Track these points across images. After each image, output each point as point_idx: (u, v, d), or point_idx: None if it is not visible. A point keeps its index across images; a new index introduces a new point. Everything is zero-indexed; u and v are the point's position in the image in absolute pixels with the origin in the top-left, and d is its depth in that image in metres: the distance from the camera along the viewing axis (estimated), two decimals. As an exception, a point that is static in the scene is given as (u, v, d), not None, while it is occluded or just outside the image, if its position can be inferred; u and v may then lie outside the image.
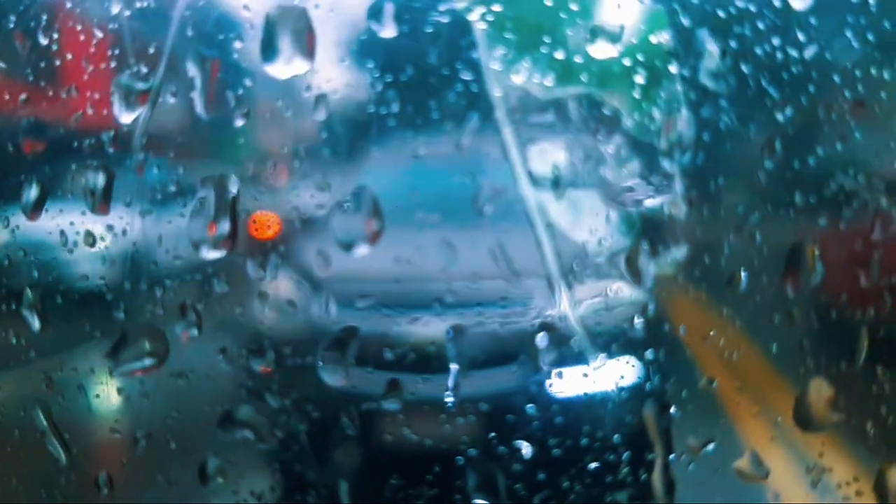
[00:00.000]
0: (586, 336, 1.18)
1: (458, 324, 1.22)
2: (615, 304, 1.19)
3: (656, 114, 1.16)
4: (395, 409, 1.22)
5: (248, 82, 1.24)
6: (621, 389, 1.20)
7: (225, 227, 1.21)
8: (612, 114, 1.18)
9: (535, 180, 1.18)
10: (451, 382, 1.22)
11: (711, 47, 1.14)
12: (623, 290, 1.19)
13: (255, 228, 1.25)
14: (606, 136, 1.17)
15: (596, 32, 1.17)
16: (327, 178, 1.24)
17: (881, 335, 1.17)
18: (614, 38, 1.17)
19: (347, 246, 1.21)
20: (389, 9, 1.20)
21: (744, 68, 1.16)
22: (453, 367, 1.21)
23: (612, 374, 1.20)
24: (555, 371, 1.21)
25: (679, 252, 1.15)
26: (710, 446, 1.18)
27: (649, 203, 1.16)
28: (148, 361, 1.26)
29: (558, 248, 1.18)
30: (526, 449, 1.22)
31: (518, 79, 1.19)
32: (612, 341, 1.19)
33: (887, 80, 1.16)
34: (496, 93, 1.18)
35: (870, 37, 1.16)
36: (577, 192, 1.18)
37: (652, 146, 1.16)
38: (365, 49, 1.24)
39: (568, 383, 1.23)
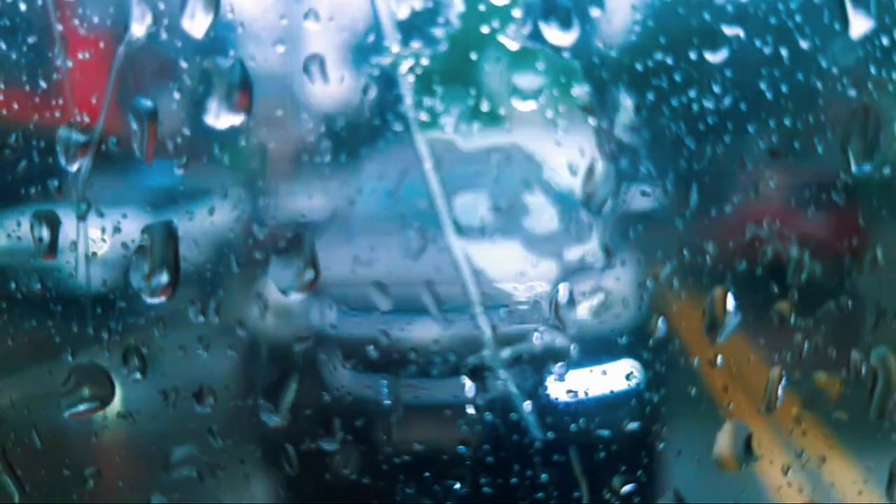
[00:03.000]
0: (511, 381, 1.25)
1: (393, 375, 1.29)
2: (539, 348, 1.25)
3: (576, 165, 1.22)
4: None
5: (186, 131, 1.30)
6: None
7: (163, 277, 1.27)
8: (534, 165, 1.23)
9: (460, 229, 1.23)
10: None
11: (626, 101, 1.19)
12: (548, 335, 1.25)
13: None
14: (529, 186, 1.23)
15: (517, 87, 1.22)
16: (264, 224, 1.29)
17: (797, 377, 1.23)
18: (535, 93, 1.22)
19: (283, 292, 1.27)
20: (319, 63, 1.25)
21: (661, 120, 1.21)
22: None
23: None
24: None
25: (597, 299, 1.21)
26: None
27: (568, 252, 1.22)
28: (94, 403, 1.32)
29: (484, 294, 1.24)
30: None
31: (445, 130, 1.24)
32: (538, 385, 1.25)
33: (800, 130, 1.22)
34: (423, 144, 1.24)
35: (783, 88, 1.21)
36: (502, 241, 1.24)
37: (571, 197, 1.21)
38: (298, 100, 1.29)
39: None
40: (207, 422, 1.32)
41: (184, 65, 1.30)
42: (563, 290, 1.24)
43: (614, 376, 1.28)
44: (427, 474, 1.29)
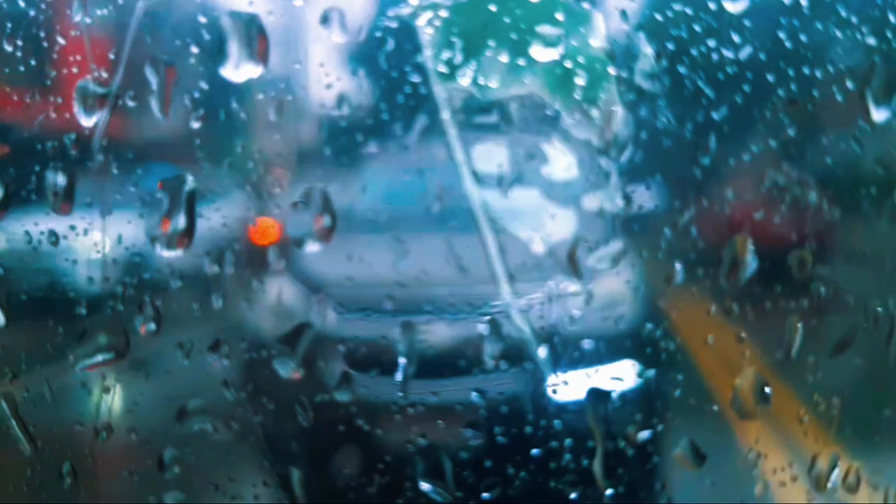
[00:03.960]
0: (527, 328, 1.24)
1: (409, 321, 1.28)
2: (555, 296, 1.24)
3: (595, 114, 1.21)
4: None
5: (203, 85, 1.30)
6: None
7: (180, 223, 1.27)
8: (553, 114, 1.23)
9: (479, 179, 1.23)
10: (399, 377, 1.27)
11: (646, 49, 1.19)
12: (564, 283, 1.24)
13: (254, 234, 1.31)
14: (547, 135, 1.22)
15: (537, 37, 1.22)
16: (281, 178, 1.29)
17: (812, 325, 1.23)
18: (554, 41, 1.22)
19: (298, 243, 1.26)
20: (339, 15, 1.25)
21: (680, 69, 1.21)
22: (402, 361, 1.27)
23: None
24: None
25: (615, 247, 1.20)
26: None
27: (587, 199, 1.21)
28: (108, 355, 1.32)
29: (502, 244, 1.23)
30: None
31: (463, 81, 1.24)
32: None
33: (819, 79, 1.22)
34: (442, 95, 1.23)
35: (802, 37, 1.21)
36: (520, 190, 1.24)
37: (591, 145, 1.21)
38: (316, 53, 1.29)
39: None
40: (222, 374, 1.31)
41: (202, 19, 1.30)
42: (580, 238, 1.24)
43: (631, 323, 1.27)
44: (441, 424, 1.28)
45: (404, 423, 1.30)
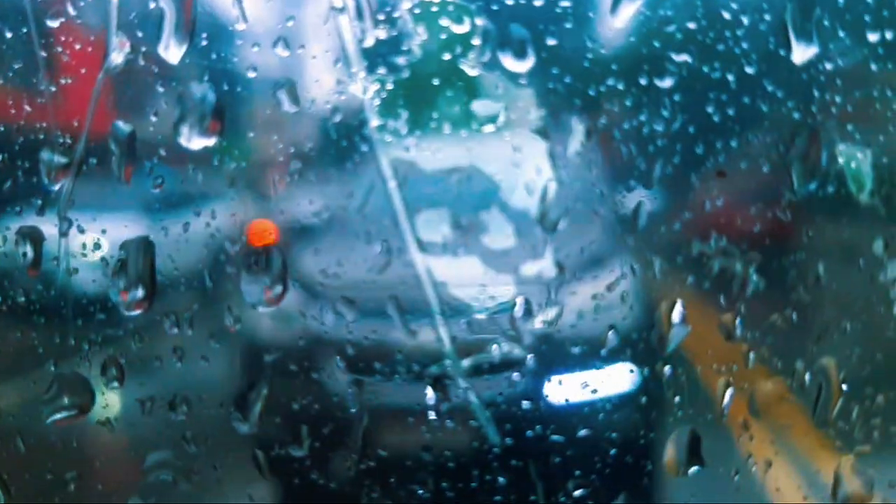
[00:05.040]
0: (471, 389, 1.30)
1: (359, 380, 1.34)
2: (498, 358, 1.30)
3: (532, 185, 1.27)
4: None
5: (162, 153, 1.35)
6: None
7: (139, 291, 1.33)
8: (492, 186, 1.29)
9: (423, 246, 1.29)
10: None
11: (578, 126, 1.25)
12: (506, 346, 1.30)
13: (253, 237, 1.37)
14: (487, 206, 1.28)
15: (476, 111, 1.28)
16: (236, 241, 1.35)
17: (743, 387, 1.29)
18: (493, 116, 1.28)
19: (253, 306, 1.33)
20: (290, 86, 1.31)
21: (612, 143, 1.26)
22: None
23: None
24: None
25: (552, 313, 1.26)
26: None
27: (525, 267, 1.27)
28: (74, 411, 1.38)
29: (445, 306, 1.29)
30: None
31: (408, 151, 1.30)
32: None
33: (746, 151, 1.27)
34: (388, 164, 1.29)
35: (730, 111, 1.26)
36: (463, 256, 1.30)
37: (527, 215, 1.27)
38: (270, 123, 1.35)
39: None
40: (182, 429, 1.37)
41: (160, 89, 1.35)
42: (519, 303, 1.30)
43: (570, 386, 1.33)
44: (391, 479, 1.35)
45: (358, 477, 1.36)
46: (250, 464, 1.37)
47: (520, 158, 1.30)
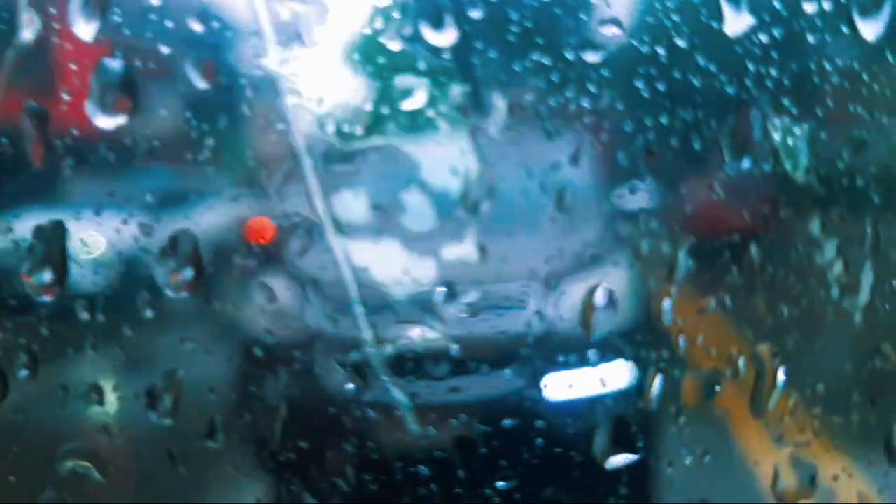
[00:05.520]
0: (392, 379, 1.25)
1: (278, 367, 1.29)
2: (420, 347, 1.24)
3: (454, 164, 1.22)
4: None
5: (75, 132, 1.30)
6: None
7: (47, 276, 1.27)
8: (413, 165, 1.23)
9: (341, 228, 1.23)
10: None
11: (499, 103, 1.19)
12: (428, 333, 1.25)
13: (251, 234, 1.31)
14: (407, 186, 1.23)
15: (397, 88, 1.22)
16: (150, 222, 1.30)
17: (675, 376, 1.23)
18: (415, 93, 1.23)
19: (164, 290, 1.27)
20: (204, 63, 1.26)
21: (537, 120, 1.20)
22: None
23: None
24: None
25: (473, 296, 1.21)
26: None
27: (446, 250, 1.21)
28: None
29: (365, 293, 1.24)
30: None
31: (326, 129, 1.24)
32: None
33: (677, 129, 1.21)
34: (305, 143, 1.24)
35: (659, 87, 1.21)
36: (382, 240, 1.24)
37: (448, 196, 1.21)
38: (183, 100, 1.29)
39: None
40: (97, 419, 1.32)
41: (73, 67, 1.30)
42: (441, 288, 1.24)
43: (495, 375, 1.27)
44: (312, 471, 1.29)
45: (277, 470, 1.31)
46: (166, 456, 1.32)
47: (442, 137, 1.24)
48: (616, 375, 1.25)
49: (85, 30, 1.28)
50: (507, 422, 1.26)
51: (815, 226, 1.20)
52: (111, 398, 1.33)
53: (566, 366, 1.26)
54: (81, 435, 1.34)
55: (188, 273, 1.26)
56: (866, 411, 1.27)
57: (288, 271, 1.29)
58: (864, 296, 1.21)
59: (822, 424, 1.26)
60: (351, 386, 1.28)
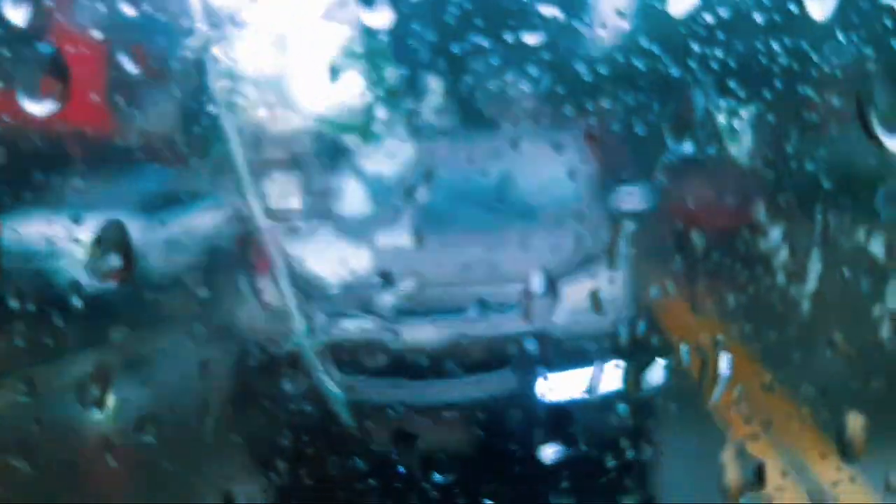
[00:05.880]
0: (326, 371, 1.21)
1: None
2: (356, 336, 1.21)
3: (391, 149, 1.18)
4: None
5: (7, 119, 1.26)
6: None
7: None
8: (347, 149, 1.19)
9: (273, 214, 1.19)
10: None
11: (438, 85, 1.15)
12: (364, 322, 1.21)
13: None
14: (340, 171, 1.19)
15: (333, 69, 1.18)
16: (78, 209, 1.26)
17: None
18: (351, 75, 1.19)
19: (91, 279, 1.24)
20: (134, 47, 1.22)
21: (477, 103, 1.17)
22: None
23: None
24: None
25: (409, 284, 1.17)
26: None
27: (381, 237, 1.17)
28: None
29: (299, 280, 1.20)
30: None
31: (257, 113, 1.20)
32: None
33: (617, 113, 1.17)
34: (235, 127, 1.20)
35: (601, 70, 1.17)
36: (315, 226, 1.20)
37: (383, 181, 1.17)
38: (114, 86, 1.26)
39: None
40: (30, 411, 1.28)
41: (6, 53, 1.26)
42: (377, 275, 1.20)
43: (435, 367, 1.23)
44: (245, 466, 1.25)
45: (211, 465, 1.27)
46: (102, 451, 1.28)
47: (378, 119, 1.20)
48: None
49: (18, 14, 1.24)
50: (447, 414, 1.22)
51: (759, 210, 1.15)
52: (43, 391, 1.29)
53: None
54: (12, 429, 1.30)
55: (115, 261, 1.23)
56: (817, 403, 1.23)
57: (220, 259, 1.25)
58: (811, 284, 1.16)
59: (771, 417, 1.21)
60: (285, 378, 1.24)
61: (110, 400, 1.26)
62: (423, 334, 1.21)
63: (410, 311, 1.21)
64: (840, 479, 1.22)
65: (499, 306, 1.21)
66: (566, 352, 1.20)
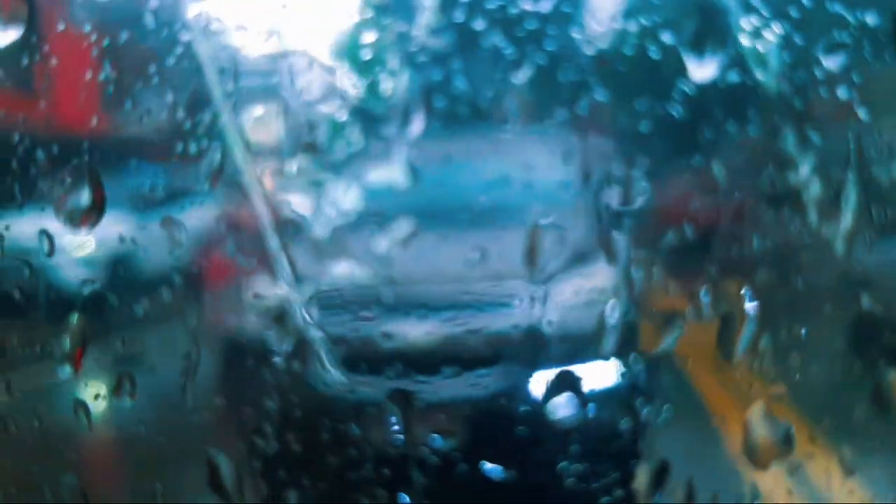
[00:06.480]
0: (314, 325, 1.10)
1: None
2: (347, 286, 1.10)
3: (380, 77, 1.07)
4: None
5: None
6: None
7: None
8: (335, 77, 1.08)
9: (252, 149, 1.09)
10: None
11: (427, 1, 1.04)
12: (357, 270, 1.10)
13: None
14: (328, 101, 1.08)
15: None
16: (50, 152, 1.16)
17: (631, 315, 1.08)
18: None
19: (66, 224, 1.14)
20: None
21: (472, 24, 1.05)
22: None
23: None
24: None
25: (406, 225, 1.06)
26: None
27: (373, 173, 1.06)
28: None
29: (280, 223, 1.09)
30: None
31: (236, 39, 1.10)
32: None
33: (632, 34, 1.06)
34: (212, 54, 1.09)
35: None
36: (299, 160, 1.09)
37: (373, 113, 1.06)
38: (80, 12, 1.15)
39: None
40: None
41: None
42: (367, 218, 1.09)
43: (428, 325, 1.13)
44: (228, 432, 1.14)
45: (190, 432, 1.17)
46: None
47: (367, 42, 1.09)
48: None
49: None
50: (448, 377, 1.11)
51: (788, 141, 1.04)
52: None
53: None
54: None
55: (85, 198, 1.12)
56: (849, 360, 1.12)
57: (198, 201, 1.14)
58: (846, 221, 1.05)
59: (800, 375, 1.10)
60: (272, 333, 1.13)
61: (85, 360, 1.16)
62: (414, 331, 1.10)
63: (403, 307, 1.10)
64: (874, 447, 1.11)
65: (491, 303, 1.09)
66: (560, 348, 1.09)
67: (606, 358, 1.09)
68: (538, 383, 1.10)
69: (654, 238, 1.07)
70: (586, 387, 1.10)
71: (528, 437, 1.10)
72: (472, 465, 1.09)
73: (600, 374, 1.11)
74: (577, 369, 1.10)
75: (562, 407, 1.08)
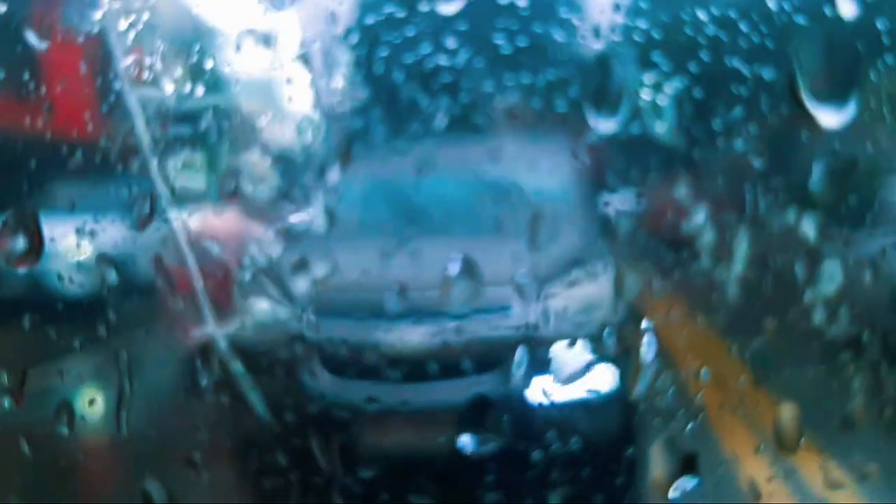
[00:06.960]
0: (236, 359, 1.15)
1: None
2: (262, 325, 1.15)
3: (301, 124, 1.12)
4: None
5: None
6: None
7: None
8: (256, 126, 1.13)
9: (177, 196, 1.14)
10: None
11: (344, 57, 1.09)
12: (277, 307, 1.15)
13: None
14: (249, 148, 1.13)
15: (239, 44, 1.13)
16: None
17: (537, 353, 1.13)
18: (260, 47, 1.13)
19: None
20: (40, 18, 1.17)
21: (393, 77, 1.11)
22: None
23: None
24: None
25: (324, 268, 1.11)
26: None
27: (292, 218, 1.12)
28: None
29: (206, 264, 1.14)
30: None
31: (165, 89, 1.15)
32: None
33: (538, 88, 1.12)
34: (141, 103, 1.14)
35: (520, 42, 1.11)
36: (221, 206, 1.15)
37: (293, 160, 1.12)
38: (21, 58, 1.21)
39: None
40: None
41: None
42: (287, 260, 1.14)
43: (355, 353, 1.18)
44: (155, 466, 1.19)
45: (125, 461, 1.22)
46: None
47: (290, 95, 1.14)
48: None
49: None
50: (371, 406, 1.17)
51: (680, 190, 1.09)
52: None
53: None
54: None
55: (20, 244, 1.17)
56: (753, 395, 1.17)
57: (131, 245, 1.19)
58: (737, 266, 1.10)
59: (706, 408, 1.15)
60: (196, 367, 1.18)
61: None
62: (410, 337, 1.15)
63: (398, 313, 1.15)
64: (776, 474, 1.16)
65: (485, 308, 1.14)
66: (555, 354, 1.14)
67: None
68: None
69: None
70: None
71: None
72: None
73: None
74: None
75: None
